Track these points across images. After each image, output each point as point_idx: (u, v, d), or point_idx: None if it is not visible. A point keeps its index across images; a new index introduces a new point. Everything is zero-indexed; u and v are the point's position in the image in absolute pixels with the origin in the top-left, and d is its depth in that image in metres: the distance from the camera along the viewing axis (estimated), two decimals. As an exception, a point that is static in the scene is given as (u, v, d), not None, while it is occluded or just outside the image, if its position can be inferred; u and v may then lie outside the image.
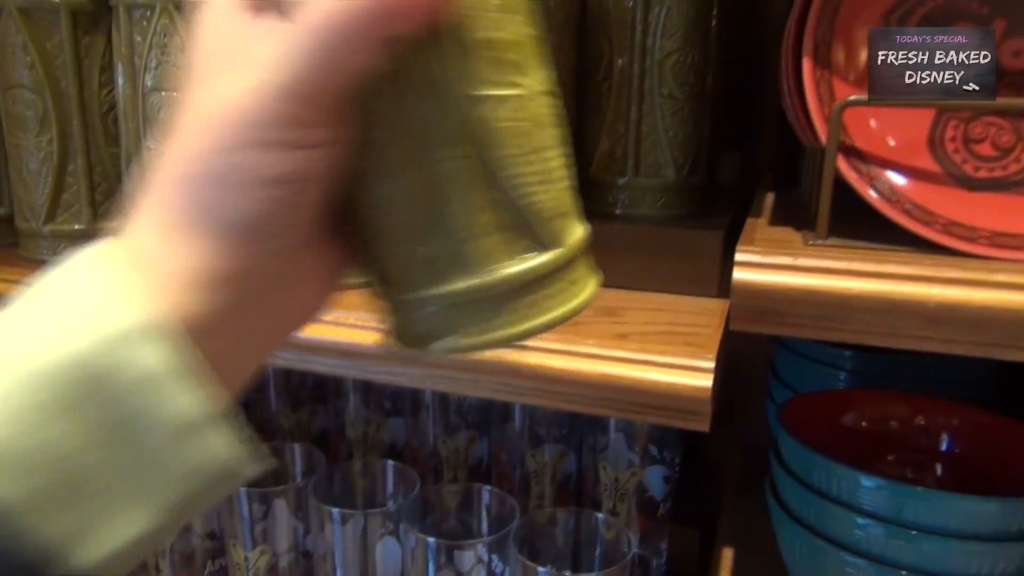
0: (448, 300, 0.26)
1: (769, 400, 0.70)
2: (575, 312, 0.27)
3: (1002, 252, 0.37)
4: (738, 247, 0.39)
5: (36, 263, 0.60)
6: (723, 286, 0.54)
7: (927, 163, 0.40)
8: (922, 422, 0.57)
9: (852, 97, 0.38)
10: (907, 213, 0.38)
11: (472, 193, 0.25)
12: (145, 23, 0.52)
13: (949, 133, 0.39)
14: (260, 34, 0.23)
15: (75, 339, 0.22)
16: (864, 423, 0.58)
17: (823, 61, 0.40)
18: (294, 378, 0.78)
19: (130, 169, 0.56)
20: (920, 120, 0.40)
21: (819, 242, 0.40)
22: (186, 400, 0.22)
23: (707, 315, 0.48)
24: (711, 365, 0.41)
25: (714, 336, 0.44)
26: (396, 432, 0.76)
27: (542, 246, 0.26)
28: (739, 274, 0.38)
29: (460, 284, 0.25)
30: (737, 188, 0.69)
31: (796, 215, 0.49)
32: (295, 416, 0.78)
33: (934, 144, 0.40)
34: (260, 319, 0.26)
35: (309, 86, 0.23)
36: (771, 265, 0.38)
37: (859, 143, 0.40)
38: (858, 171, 0.39)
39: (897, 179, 0.39)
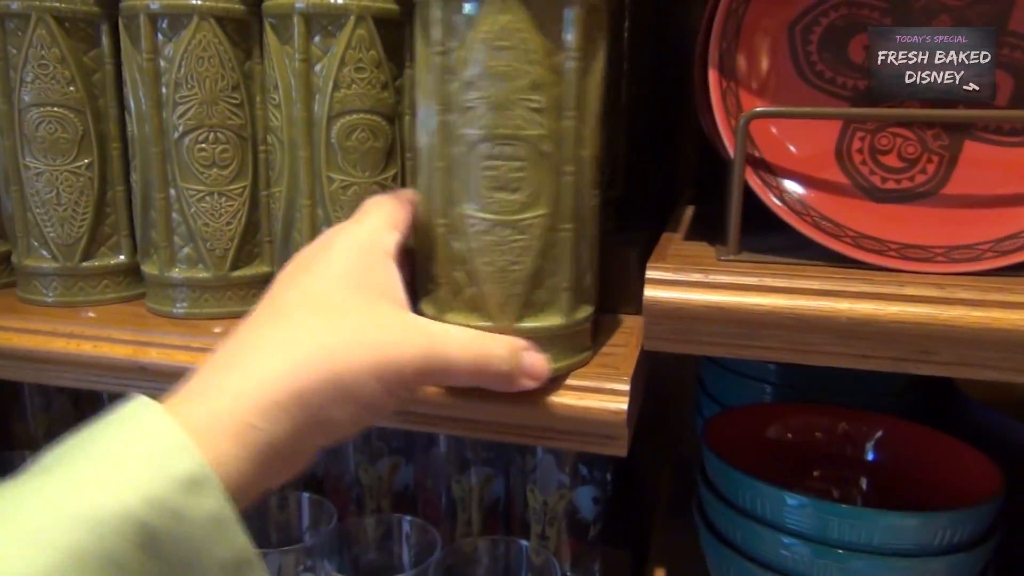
0: None
1: (698, 414, 0.69)
2: None
3: (911, 264, 0.36)
4: (649, 264, 0.38)
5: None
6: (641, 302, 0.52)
7: (835, 175, 0.39)
8: (846, 434, 0.57)
9: (758, 109, 0.37)
10: (817, 226, 0.37)
11: None
12: (20, 34, 0.48)
13: (856, 144, 0.39)
14: (398, 311, 0.35)
15: (133, 486, 0.25)
16: (789, 436, 0.58)
17: (728, 72, 0.39)
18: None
19: (5, 188, 0.52)
20: (827, 131, 0.39)
21: (731, 257, 0.39)
22: (239, 542, 0.27)
23: (625, 333, 0.47)
24: (626, 388, 0.39)
25: (630, 356, 0.43)
26: (315, 462, 0.72)
27: None
28: (650, 292, 0.37)
29: None
30: (657, 202, 0.68)
31: (712, 230, 0.48)
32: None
33: (842, 155, 0.39)
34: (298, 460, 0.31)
35: (413, 380, 0.33)
36: (682, 282, 0.37)
37: (767, 155, 0.39)
38: (767, 184, 0.38)
39: (806, 191, 0.39)
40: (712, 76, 0.39)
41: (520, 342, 0.37)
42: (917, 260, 0.36)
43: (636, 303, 0.51)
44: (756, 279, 0.36)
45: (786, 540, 0.46)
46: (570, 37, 0.35)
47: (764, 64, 0.40)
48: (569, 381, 0.40)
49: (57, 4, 0.48)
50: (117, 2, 0.50)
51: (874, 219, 0.38)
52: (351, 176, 0.45)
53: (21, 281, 0.53)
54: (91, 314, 0.51)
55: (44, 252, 0.51)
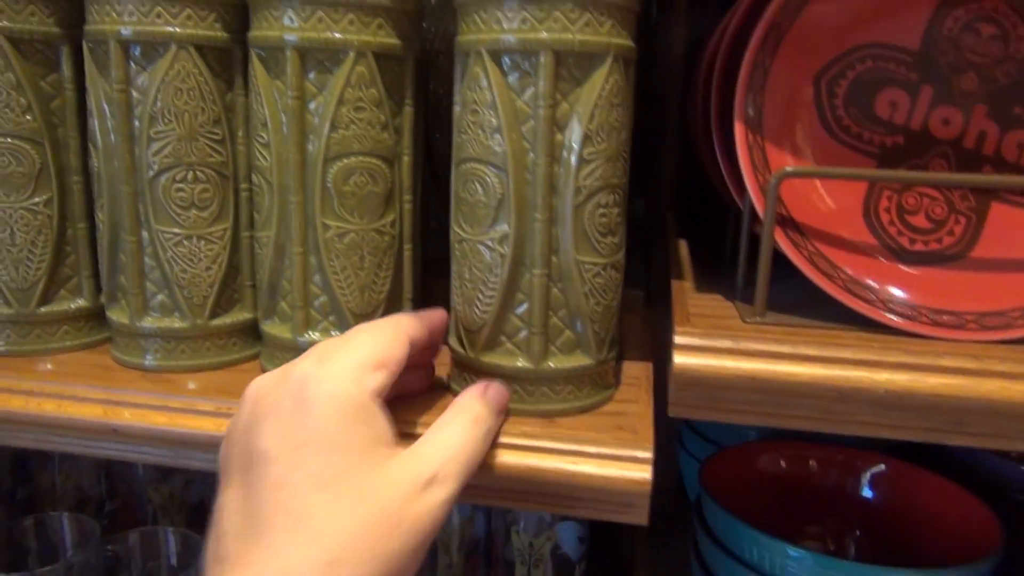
0: None
1: (681, 448, 0.68)
2: None
3: (944, 332, 0.35)
4: (676, 328, 0.36)
5: None
6: (645, 347, 0.51)
7: (863, 235, 0.38)
8: (842, 472, 0.56)
9: (789, 169, 0.36)
10: (848, 290, 0.36)
11: None
12: (-31, 57, 0.43)
13: (883, 203, 0.38)
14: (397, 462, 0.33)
15: None
16: (784, 474, 0.57)
17: (754, 126, 0.38)
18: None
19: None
20: (854, 188, 0.38)
21: (757, 319, 0.37)
22: None
23: (633, 386, 0.45)
24: (649, 456, 0.37)
25: (645, 415, 0.41)
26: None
27: None
28: (680, 359, 0.35)
29: None
30: (639, 231, 0.67)
31: (720, 276, 0.47)
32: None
33: (869, 214, 0.38)
34: None
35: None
36: (712, 349, 0.35)
37: (794, 212, 0.37)
38: (795, 243, 0.37)
39: (834, 250, 0.37)
40: (738, 130, 0.37)
41: (479, 386, 0.38)
42: (950, 327, 0.35)
43: (641, 348, 0.50)
44: (790, 347, 0.35)
45: (789, 592, 0.45)
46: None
47: (790, 118, 0.38)
48: (588, 448, 0.38)
49: (11, 24, 0.43)
50: (79, 24, 0.45)
51: (904, 281, 0.37)
52: (348, 223, 0.42)
53: (-34, 328, 0.48)
54: (49, 366, 0.46)
55: (-5, 297, 0.46)
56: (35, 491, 0.71)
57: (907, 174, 0.36)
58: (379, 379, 0.34)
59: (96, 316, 0.49)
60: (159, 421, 0.41)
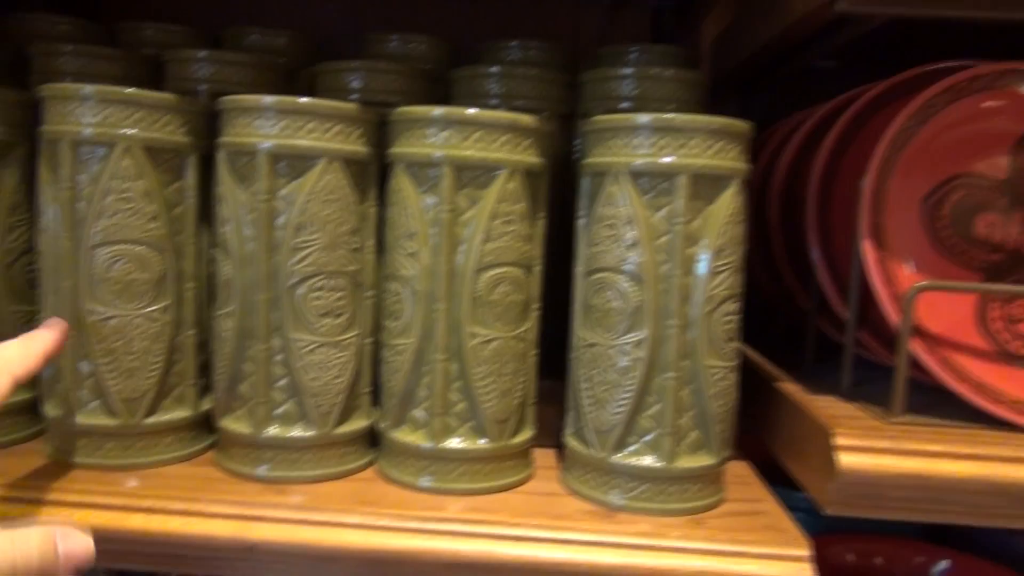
0: None
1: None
2: None
3: (1066, 428, 0.39)
4: (835, 430, 0.39)
5: None
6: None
7: (979, 341, 0.42)
8: (907, 566, 0.59)
9: (923, 283, 0.40)
10: (980, 393, 0.40)
11: None
12: (96, 163, 0.43)
13: (993, 313, 0.42)
14: None
15: None
16: (849, 567, 0.60)
17: (880, 242, 0.42)
18: None
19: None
20: (967, 300, 0.43)
21: (898, 420, 0.40)
22: None
23: (744, 484, 0.47)
24: (807, 553, 0.39)
25: (781, 513, 0.43)
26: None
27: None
28: (847, 459, 0.38)
29: None
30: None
31: (809, 377, 0.50)
32: None
33: (983, 323, 0.42)
34: None
35: None
36: (873, 449, 0.38)
37: (924, 322, 0.41)
38: (928, 350, 0.41)
39: (958, 357, 0.41)
40: (867, 247, 0.41)
41: (53, 528, 0.33)
42: (1070, 424, 0.39)
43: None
44: (943, 446, 0.38)
45: None
46: None
47: (906, 236, 0.43)
48: (749, 547, 0.39)
49: (147, 133, 0.43)
50: (207, 134, 0.46)
51: (1020, 383, 0.41)
52: (493, 330, 0.43)
53: (60, 442, 0.45)
54: (158, 478, 0.44)
55: (102, 407, 0.44)
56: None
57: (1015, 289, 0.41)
58: None
59: (196, 426, 0.47)
60: (304, 536, 0.40)
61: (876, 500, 0.38)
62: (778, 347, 0.58)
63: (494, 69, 0.55)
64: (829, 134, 0.48)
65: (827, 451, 0.39)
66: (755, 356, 0.56)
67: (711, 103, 0.73)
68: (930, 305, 0.42)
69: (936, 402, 0.42)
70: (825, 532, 0.65)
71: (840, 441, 0.38)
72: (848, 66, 0.73)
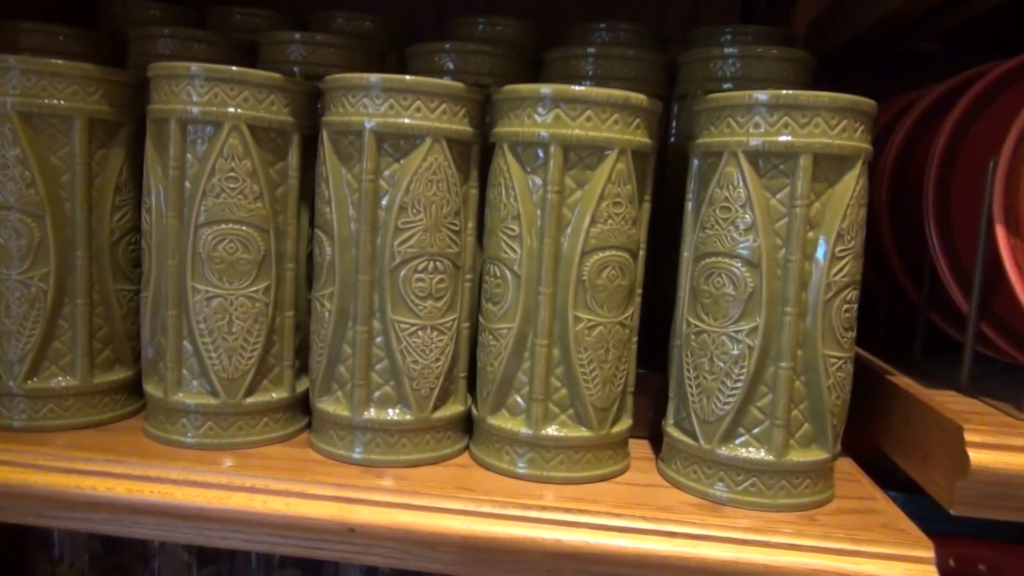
0: None
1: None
2: None
3: None
4: (965, 426, 0.36)
5: (3, 431, 0.46)
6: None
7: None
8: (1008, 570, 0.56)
9: (1066, 270, 0.37)
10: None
11: None
12: (204, 142, 0.43)
13: None
14: None
15: None
16: (951, 572, 0.57)
17: (1013, 229, 0.39)
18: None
19: (154, 312, 0.45)
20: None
21: (1030, 417, 0.38)
22: None
23: (853, 481, 0.45)
24: (931, 555, 0.37)
25: (897, 512, 0.41)
26: None
27: None
28: (978, 456, 0.35)
29: None
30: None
31: (920, 371, 0.48)
32: None
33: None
34: None
35: None
36: (1007, 447, 0.36)
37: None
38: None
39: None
40: (1001, 232, 0.39)
41: None
42: None
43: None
44: (1085, 445, 0.35)
45: None
46: None
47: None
48: (867, 547, 0.37)
49: (252, 112, 0.43)
50: (310, 114, 0.45)
51: None
52: (598, 316, 0.42)
53: (159, 418, 0.46)
54: (255, 459, 0.44)
55: (202, 386, 0.44)
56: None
57: None
58: None
59: (292, 408, 0.47)
60: (404, 520, 0.39)
61: (1008, 500, 0.36)
62: (880, 340, 0.56)
63: (590, 50, 0.53)
64: (950, 113, 0.46)
65: (957, 448, 0.37)
66: (859, 349, 0.54)
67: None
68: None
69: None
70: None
71: (971, 437, 0.36)
72: (949, 48, 0.70)
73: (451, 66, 0.53)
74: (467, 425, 0.47)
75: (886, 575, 0.36)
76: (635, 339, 0.45)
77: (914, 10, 0.56)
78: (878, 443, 0.47)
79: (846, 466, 0.47)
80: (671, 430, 0.44)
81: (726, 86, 0.51)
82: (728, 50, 0.52)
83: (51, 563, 0.67)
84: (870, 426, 0.49)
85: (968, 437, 0.36)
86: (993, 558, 0.57)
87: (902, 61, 0.68)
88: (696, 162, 0.42)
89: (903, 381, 0.45)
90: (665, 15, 0.78)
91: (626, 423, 0.45)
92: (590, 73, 0.54)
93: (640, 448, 0.48)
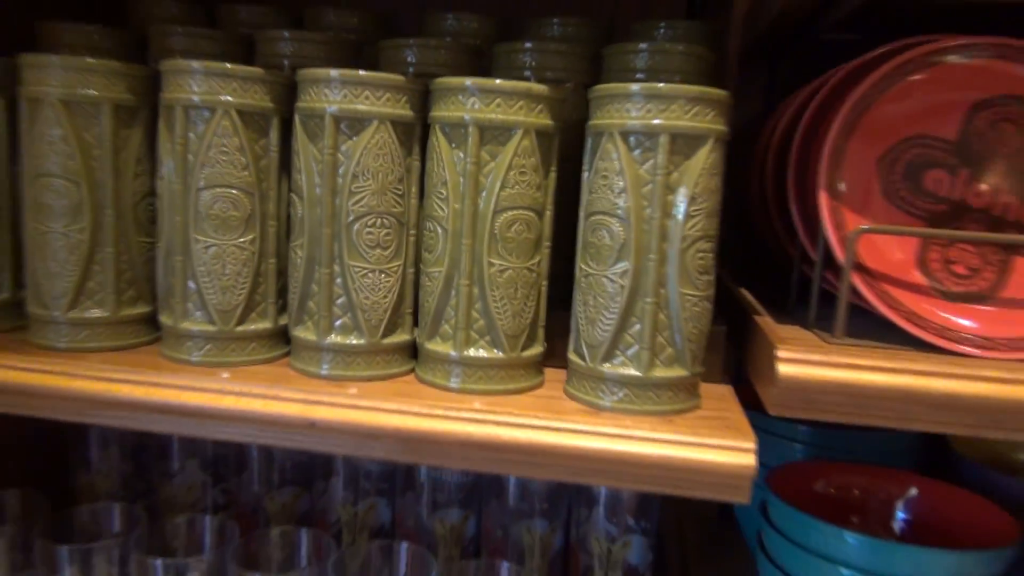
0: None
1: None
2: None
3: (983, 352, 0.46)
4: (778, 345, 0.47)
5: (49, 351, 0.59)
6: (727, 373, 0.61)
7: (918, 279, 0.49)
8: (881, 490, 0.67)
9: (865, 226, 0.47)
10: (908, 320, 0.47)
11: None
12: (202, 124, 0.54)
13: (932, 255, 0.49)
14: None
15: None
16: (831, 490, 0.67)
17: (834, 193, 0.49)
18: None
19: (166, 259, 0.57)
20: (911, 244, 0.50)
21: (839, 341, 0.48)
22: None
23: (721, 399, 0.56)
24: (753, 446, 0.47)
25: (742, 419, 0.51)
26: (384, 513, 0.78)
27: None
28: (784, 368, 0.46)
29: None
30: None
31: (792, 313, 0.58)
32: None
33: (922, 264, 0.49)
34: None
35: None
36: (809, 361, 0.46)
37: (867, 262, 0.49)
38: (867, 284, 0.48)
39: (896, 291, 0.49)
40: (823, 197, 0.49)
41: None
42: (987, 348, 0.46)
43: (718, 373, 0.61)
44: (869, 360, 0.46)
45: (846, 573, 0.55)
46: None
47: (860, 189, 0.50)
48: (707, 439, 0.48)
49: (240, 100, 0.54)
50: (286, 101, 0.57)
51: (950, 314, 0.48)
52: (508, 262, 0.53)
53: (170, 342, 0.58)
54: (244, 373, 0.56)
55: (202, 316, 0.57)
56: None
57: (951, 232, 0.48)
58: None
59: (275, 336, 0.59)
60: (354, 418, 0.51)
61: (810, 404, 0.46)
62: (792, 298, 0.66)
63: (528, 44, 0.64)
64: (812, 102, 0.55)
65: (771, 362, 0.47)
66: (747, 295, 0.64)
67: (741, 72, 0.80)
68: (875, 247, 0.49)
69: (880, 332, 0.50)
70: (813, 459, 0.72)
71: (781, 354, 0.46)
72: (866, 39, 0.78)
73: (412, 59, 0.64)
74: (414, 352, 0.58)
75: (715, 460, 0.47)
76: (544, 282, 0.55)
77: (804, 4, 0.65)
78: (746, 371, 0.58)
79: (723, 391, 0.58)
80: (571, 355, 0.55)
81: (639, 76, 0.62)
82: (641, 45, 0.62)
83: (88, 472, 0.80)
84: (743, 356, 0.59)
85: (779, 354, 0.46)
86: (865, 476, 0.67)
87: (821, 50, 0.77)
88: (589, 140, 0.53)
89: (765, 320, 0.56)
90: (619, 9, 0.88)
91: (537, 349, 0.56)
92: (528, 64, 0.64)
93: (560, 374, 0.59)
